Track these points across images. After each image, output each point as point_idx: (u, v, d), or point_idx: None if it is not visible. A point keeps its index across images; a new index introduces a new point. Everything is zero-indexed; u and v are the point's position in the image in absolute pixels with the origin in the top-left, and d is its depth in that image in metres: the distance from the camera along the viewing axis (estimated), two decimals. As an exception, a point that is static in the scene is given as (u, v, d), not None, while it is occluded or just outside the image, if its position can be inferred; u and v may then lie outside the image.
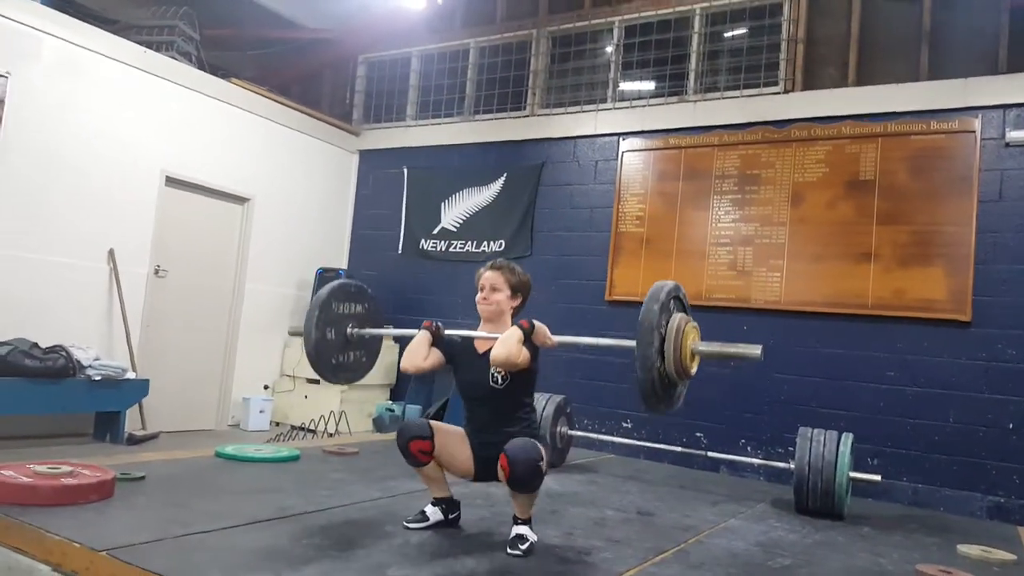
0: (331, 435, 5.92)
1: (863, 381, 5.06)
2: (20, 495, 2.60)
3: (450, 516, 2.97)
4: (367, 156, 7.64)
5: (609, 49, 6.49)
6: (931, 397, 4.86)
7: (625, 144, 6.17)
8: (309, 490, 3.41)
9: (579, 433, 5.10)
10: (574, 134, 6.42)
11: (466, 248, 6.83)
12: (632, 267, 5.97)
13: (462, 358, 2.96)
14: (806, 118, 5.46)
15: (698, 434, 5.53)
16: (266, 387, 6.82)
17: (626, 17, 6.36)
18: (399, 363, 6.92)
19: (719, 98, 5.87)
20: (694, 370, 2.68)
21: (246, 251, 6.61)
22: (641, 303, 2.62)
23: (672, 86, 6.12)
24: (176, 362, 6.05)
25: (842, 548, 3.36)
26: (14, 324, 4.89)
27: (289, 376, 6.86)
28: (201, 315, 6.29)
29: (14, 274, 4.99)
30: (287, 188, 6.97)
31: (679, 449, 4.96)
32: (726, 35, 6.02)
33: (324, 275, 6.80)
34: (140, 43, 5.83)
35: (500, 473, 2.64)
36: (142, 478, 3.23)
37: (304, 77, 7.88)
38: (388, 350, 6.65)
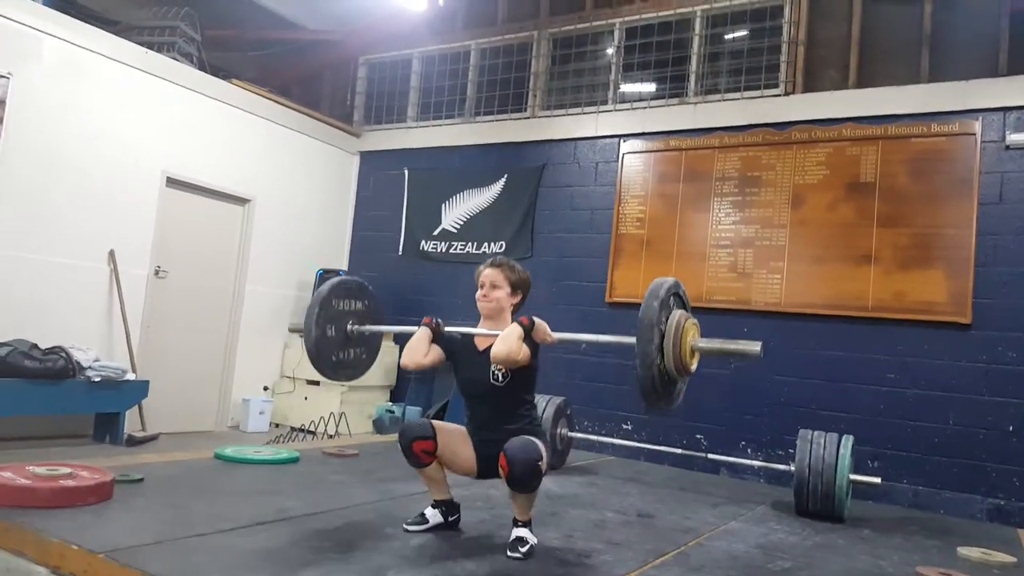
0: (331, 437, 5.92)
1: (863, 383, 5.06)
2: (18, 497, 2.60)
3: (450, 519, 2.97)
4: (368, 157, 7.64)
5: (610, 51, 6.49)
6: (931, 399, 4.86)
7: (626, 146, 6.17)
8: (309, 492, 3.41)
9: (579, 435, 5.10)
10: (575, 136, 6.42)
11: (467, 249, 6.83)
12: (632, 269, 5.97)
13: (462, 355, 2.96)
14: (807, 120, 5.47)
15: (698, 436, 5.53)
16: (266, 388, 6.82)
17: (627, 19, 6.36)
18: (399, 365, 7.00)
19: (720, 100, 5.87)
20: (694, 367, 2.68)
21: (246, 252, 6.62)
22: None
23: (673, 88, 6.13)
24: (176, 363, 6.05)
25: (842, 551, 3.35)
26: (14, 324, 4.90)
27: (289, 377, 6.86)
28: (201, 316, 6.29)
29: (15, 274, 4.99)
30: (288, 189, 6.97)
31: (679, 451, 4.96)
32: (727, 37, 6.02)
33: (324, 276, 6.79)
34: (141, 44, 5.84)
35: (500, 472, 2.64)
36: (141, 480, 3.23)
37: (305, 78, 7.88)
38: (388, 351, 6.64)
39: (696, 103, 5.95)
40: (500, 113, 6.89)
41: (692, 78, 6.03)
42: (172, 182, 5.96)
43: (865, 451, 4.81)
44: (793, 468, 4.08)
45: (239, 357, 6.54)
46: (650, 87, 6.28)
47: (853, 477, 4.02)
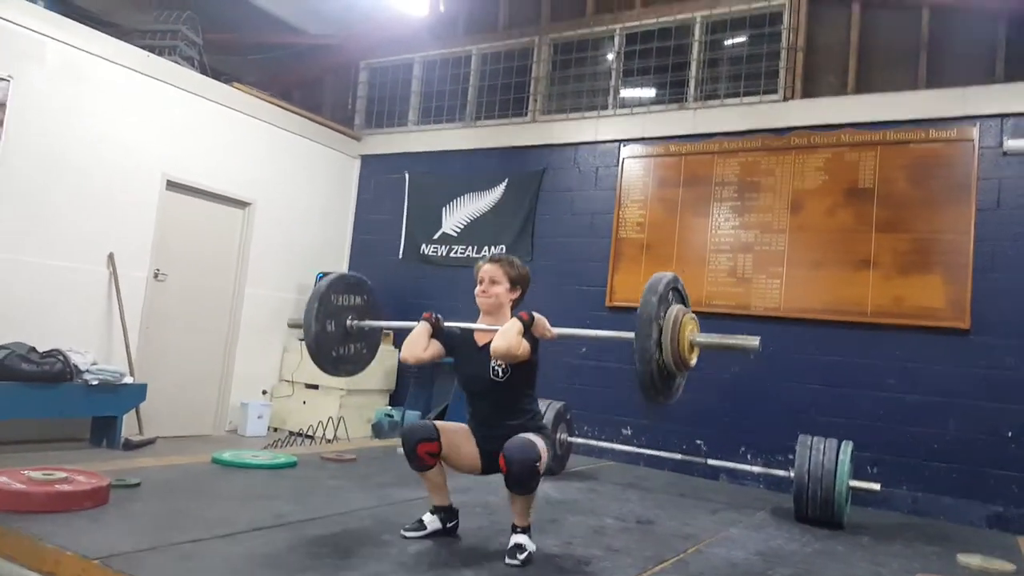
0: (329, 441, 5.91)
1: (863, 389, 5.05)
2: (14, 501, 2.59)
3: (448, 525, 2.96)
4: (368, 161, 7.64)
5: (610, 56, 6.50)
6: (930, 405, 4.85)
7: (626, 151, 6.17)
8: (306, 497, 3.40)
9: (579, 440, 5.09)
10: (575, 140, 6.42)
11: (467, 253, 6.83)
12: (632, 273, 5.96)
13: (462, 351, 2.96)
14: (806, 126, 5.47)
15: (698, 441, 5.52)
16: (264, 392, 6.81)
17: (627, 25, 6.37)
18: (399, 366, 6.99)
19: (719, 105, 5.88)
20: (693, 361, 2.67)
21: (246, 255, 6.61)
22: (642, 309, 2.62)
23: (672, 93, 6.13)
24: (174, 366, 6.04)
25: (842, 558, 3.35)
26: (13, 327, 4.89)
27: (288, 381, 6.85)
28: (200, 319, 6.28)
29: (14, 276, 4.98)
30: (288, 192, 6.97)
31: (679, 456, 4.94)
32: (726, 43, 6.03)
33: (324, 280, 6.79)
34: (143, 47, 5.84)
35: (501, 469, 2.64)
36: (137, 485, 3.22)
37: (306, 82, 7.89)
38: (388, 354, 6.64)
39: (696, 108, 5.95)
40: (501, 118, 6.90)
41: (692, 83, 6.04)
42: (172, 185, 5.96)
43: (864, 457, 4.80)
44: (792, 474, 4.07)
45: (238, 360, 6.53)
46: (650, 92, 6.29)
47: (852, 483, 4.01)
